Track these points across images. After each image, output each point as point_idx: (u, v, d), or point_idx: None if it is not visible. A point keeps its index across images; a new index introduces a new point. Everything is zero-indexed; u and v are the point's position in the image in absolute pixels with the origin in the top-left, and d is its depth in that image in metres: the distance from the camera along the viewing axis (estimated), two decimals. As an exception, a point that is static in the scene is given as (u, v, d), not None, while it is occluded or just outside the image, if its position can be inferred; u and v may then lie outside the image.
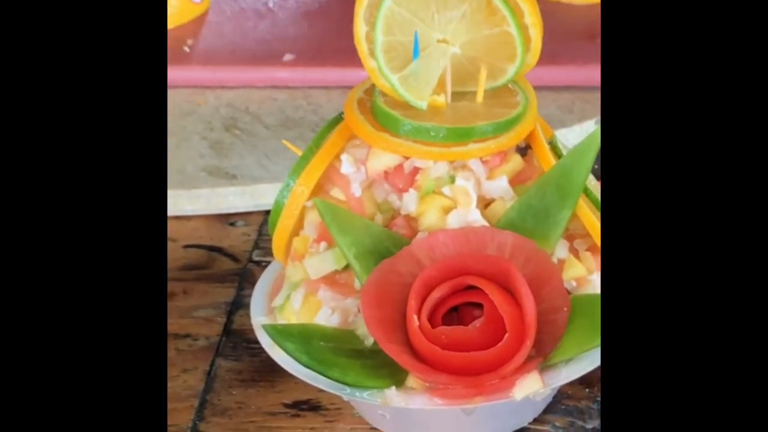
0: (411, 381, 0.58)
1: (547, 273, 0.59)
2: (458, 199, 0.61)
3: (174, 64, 1.01)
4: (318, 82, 1.02)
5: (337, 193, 0.63)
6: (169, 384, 0.69)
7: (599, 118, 0.91)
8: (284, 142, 0.69)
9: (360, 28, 0.62)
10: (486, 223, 0.60)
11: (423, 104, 0.61)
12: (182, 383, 0.70)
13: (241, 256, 0.82)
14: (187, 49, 1.07)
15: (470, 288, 0.58)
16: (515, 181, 0.62)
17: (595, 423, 0.65)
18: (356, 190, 0.62)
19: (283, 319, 0.64)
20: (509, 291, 0.58)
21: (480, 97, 0.62)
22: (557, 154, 0.63)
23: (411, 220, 0.62)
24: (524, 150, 0.64)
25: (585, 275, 0.61)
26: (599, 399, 0.66)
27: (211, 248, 0.83)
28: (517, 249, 0.59)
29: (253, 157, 0.92)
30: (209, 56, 1.05)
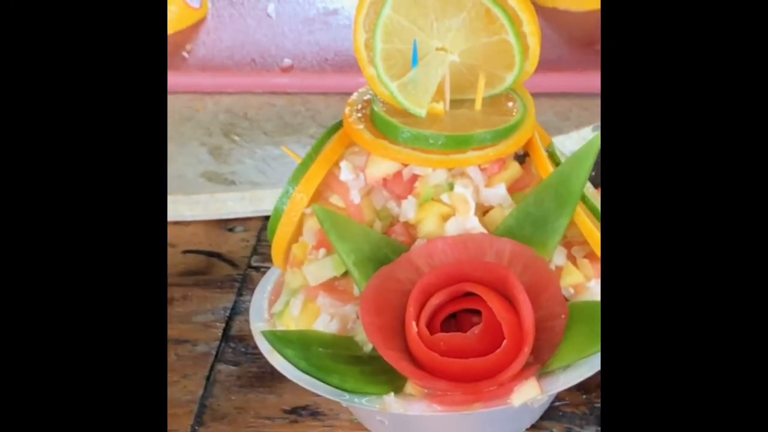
0: (409, 387, 0.58)
1: (545, 280, 0.59)
2: (457, 206, 0.61)
3: (173, 69, 1.01)
4: (316, 89, 1.02)
5: (336, 200, 0.64)
6: (169, 389, 0.70)
7: (596, 124, 0.92)
8: (283, 148, 0.69)
9: (359, 36, 0.63)
10: (484, 231, 0.61)
11: (422, 112, 0.61)
12: (182, 388, 0.70)
13: (239, 262, 0.82)
14: (185, 54, 1.07)
15: (469, 295, 0.59)
16: (513, 189, 0.63)
17: (592, 429, 0.65)
18: (355, 197, 0.63)
19: (282, 326, 0.64)
20: (507, 298, 0.58)
21: (478, 105, 0.63)
22: (555, 161, 0.64)
23: (410, 227, 0.62)
24: (522, 157, 0.64)
25: (583, 282, 0.61)
26: (597, 405, 0.67)
27: (210, 254, 0.84)
28: (516, 256, 0.59)
29: (251, 162, 0.92)
30: (208, 62, 1.06)
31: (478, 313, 0.58)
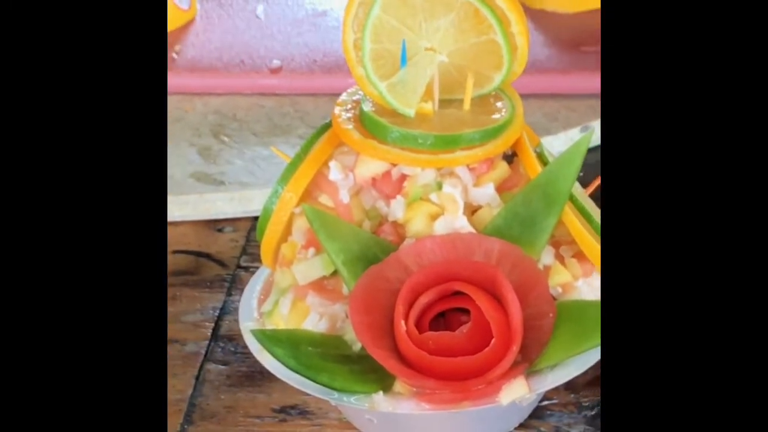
0: (398, 386, 0.59)
1: (533, 279, 0.59)
2: (445, 205, 0.61)
3: (162, 70, 1.01)
4: (305, 90, 1.02)
5: (325, 199, 0.64)
6: (158, 388, 0.70)
7: (584, 125, 0.92)
8: (272, 148, 0.69)
9: (348, 36, 0.63)
10: (473, 230, 0.61)
11: (410, 112, 0.62)
12: (171, 388, 0.70)
13: (229, 262, 0.83)
14: (175, 56, 1.07)
15: (457, 294, 0.59)
16: (502, 189, 0.63)
17: (581, 428, 0.66)
18: (344, 196, 0.63)
19: (271, 325, 0.64)
20: (496, 297, 0.59)
21: (467, 105, 0.63)
22: (543, 161, 0.64)
23: (398, 227, 0.62)
24: (511, 157, 0.64)
25: (571, 281, 0.61)
26: (585, 404, 0.67)
27: (200, 254, 0.84)
28: (504, 255, 0.60)
29: (240, 163, 0.92)
30: (197, 63, 1.06)
31: (466, 312, 0.59)
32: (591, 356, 0.59)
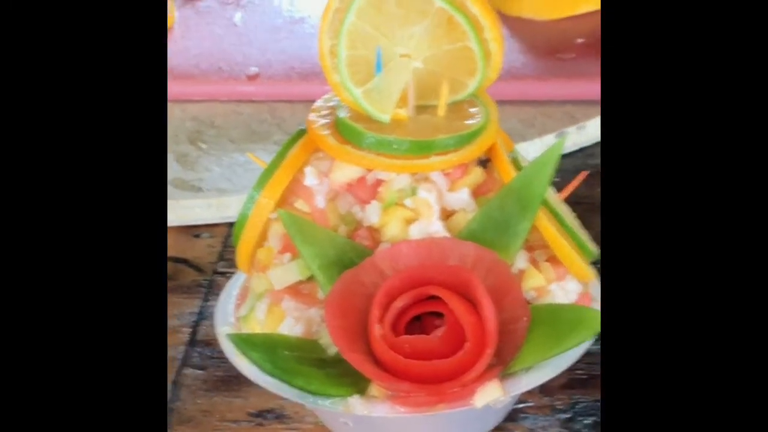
0: (373, 389, 0.59)
1: (508, 283, 0.60)
2: (420, 210, 0.61)
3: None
4: (283, 97, 1.02)
5: (301, 204, 0.64)
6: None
7: (560, 131, 0.93)
8: (249, 155, 0.69)
9: (324, 43, 0.63)
10: (448, 235, 0.61)
11: (386, 118, 0.62)
12: (148, 393, 0.71)
13: (206, 268, 0.83)
14: (152, 62, 1.07)
15: (432, 298, 0.59)
16: (477, 193, 0.63)
17: (555, 431, 0.66)
18: (320, 201, 0.63)
19: (247, 329, 0.64)
20: (470, 301, 0.59)
21: (442, 111, 0.63)
22: (518, 167, 0.64)
23: (374, 232, 0.62)
24: (485, 163, 0.65)
25: (544, 285, 0.62)
26: (559, 407, 0.67)
27: (177, 260, 0.84)
28: (479, 260, 0.60)
29: (218, 170, 0.92)
30: (174, 70, 1.06)
31: (441, 315, 0.59)
32: (565, 359, 0.60)
